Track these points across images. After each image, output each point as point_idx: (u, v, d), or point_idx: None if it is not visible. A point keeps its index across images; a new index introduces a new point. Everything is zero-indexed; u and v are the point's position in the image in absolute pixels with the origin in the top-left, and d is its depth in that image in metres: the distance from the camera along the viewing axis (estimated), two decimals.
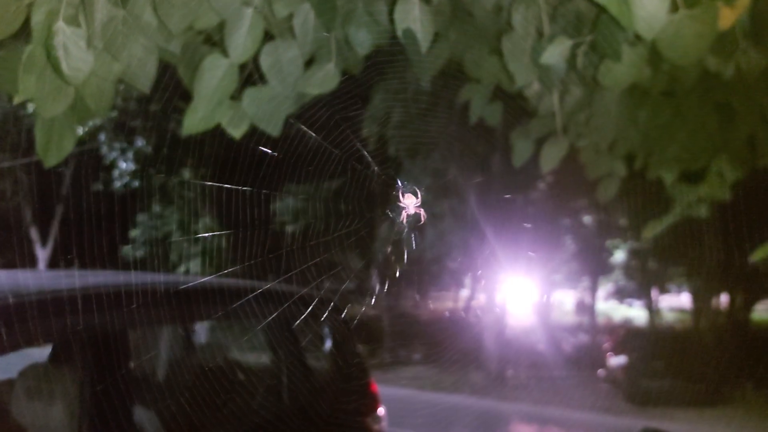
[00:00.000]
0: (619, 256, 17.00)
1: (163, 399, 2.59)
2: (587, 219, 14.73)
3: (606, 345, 11.87)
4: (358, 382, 3.44)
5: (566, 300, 20.59)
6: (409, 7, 1.71)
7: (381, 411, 3.44)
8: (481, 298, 14.94)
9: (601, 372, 11.06)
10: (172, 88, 2.07)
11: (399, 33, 1.75)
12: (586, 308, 18.86)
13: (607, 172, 2.70)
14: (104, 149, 10.82)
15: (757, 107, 1.87)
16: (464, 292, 18.51)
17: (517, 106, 2.38)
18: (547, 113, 2.20)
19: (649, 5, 1.28)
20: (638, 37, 1.40)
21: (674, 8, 1.38)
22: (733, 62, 1.71)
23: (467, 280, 17.66)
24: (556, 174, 10.68)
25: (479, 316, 12.83)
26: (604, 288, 19.49)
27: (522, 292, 16.71)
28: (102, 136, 10.67)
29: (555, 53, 1.64)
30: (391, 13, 1.76)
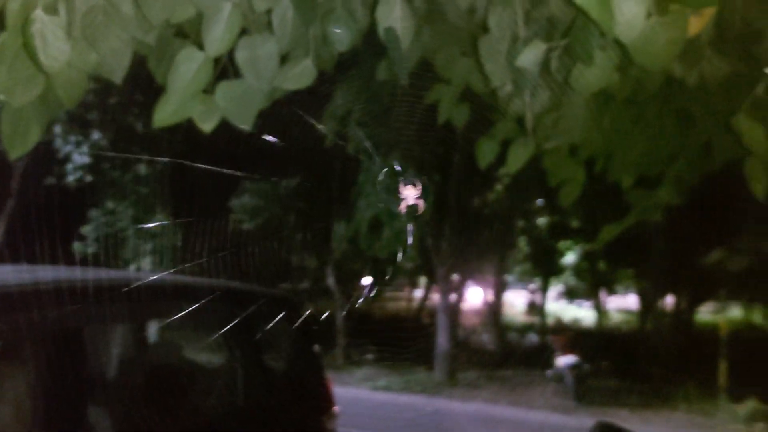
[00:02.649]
0: (570, 257, 17.36)
1: (116, 398, 2.55)
2: (541, 220, 15.01)
3: (555, 345, 12.11)
4: (313, 382, 3.45)
5: (517, 300, 20.94)
6: (392, 5, 1.73)
7: (336, 410, 3.45)
8: (434, 299, 15.06)
9: (550, 372, 11.27)
10: (134, 81, 2.05)
11: (381, 32, 1.77)
12: (536, 309, 19.21)
13: (570, 177, 2.77)
14: (58, 142, 10.48)
15: (715, 114, 1.96)
16: (418, 293, 18.66)
17: (485, 108, 2.42)
18: (515, 115, 2.25)
19: (628, 11, 1.33)
20: (617, 42, 1.45)
21: (646, 15, 1.44)
22: (697, 70, 1.79)
23: (421, 281, 17.81)
24: (512, 176, 10.84)
25: (432, 316, 12.91)
26: (555, 289, 19.88)
27: (474, 292, 16.91)
28: (57, 128, 10.34)
29: (530, 56, 1.68)
30: (372, 11, 1.78)
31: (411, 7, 1.76)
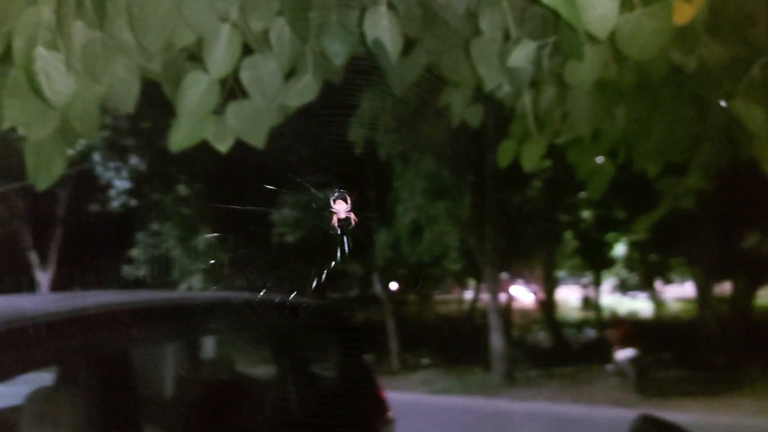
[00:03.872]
0: (620, 249, 16.98)
1: (171, 417, 2.62)
2: (585, 214, 14.72)
3: (613, 338, 11.88)
4: (366, 389, 3.46)
5: (571, 296, 20.61)
6: (378, 16, 1.75)
7: (390, 417, 3.45)
8: (485, 299, 14.96)
9: (610, 366, 11.07)
10: (164, 105, 2.12)
11: (369, 43, 1.79)
12: (590, 303, 18.87)
13: (595, 170, 2.74)
14: (99, 169, 10.82)
15: (724, 98, 1.91)
16: (468, 294, 18.55)
17: (497, 108, 2.42)
18: (523, 113, 2.24)
19: (600, 6, 1.32)
20: (592, 37, 1.44)
21: (630, 7, 1.43)
22: (695, 56, 1.76)
23: (470, 282, 17.69)
24: (549, 171, 10.70)
25: (484, 316, 12.82)
26: (608, 282, 19.47)
27: (526, 290, 16.73)
28: (96, 156, 10.67)
29: (521, 55, 1.68)
30: (362, 22, 1.80)
31: (401, 16, 1.77)
